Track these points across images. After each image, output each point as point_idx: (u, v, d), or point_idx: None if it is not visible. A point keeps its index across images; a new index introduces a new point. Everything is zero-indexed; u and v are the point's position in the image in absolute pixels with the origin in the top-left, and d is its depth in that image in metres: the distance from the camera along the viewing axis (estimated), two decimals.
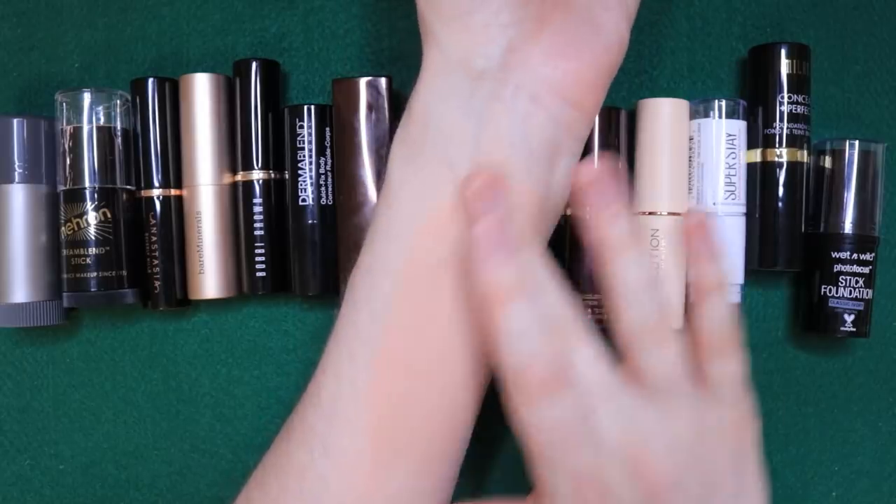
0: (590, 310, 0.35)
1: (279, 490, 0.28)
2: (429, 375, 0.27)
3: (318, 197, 0.36)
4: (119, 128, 0.36)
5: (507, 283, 0.24)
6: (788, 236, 0.36)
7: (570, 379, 0.24)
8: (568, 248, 0.36)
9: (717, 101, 0.36)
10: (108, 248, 0.35)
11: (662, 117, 0.36)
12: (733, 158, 0.36)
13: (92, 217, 0.35)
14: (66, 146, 0.35)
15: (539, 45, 0.27)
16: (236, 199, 0.36)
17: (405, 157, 0.28)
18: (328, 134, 0.36)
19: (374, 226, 0.28)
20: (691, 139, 0.36)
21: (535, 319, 0.24)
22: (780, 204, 0.36)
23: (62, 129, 0.35)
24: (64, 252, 0.35)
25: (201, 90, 0.36)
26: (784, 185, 0.36)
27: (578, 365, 0.25)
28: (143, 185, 0.36)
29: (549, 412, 0.24)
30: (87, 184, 0.35)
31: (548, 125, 0.27)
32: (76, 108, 0.35)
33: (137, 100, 0.36)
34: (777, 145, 0.36)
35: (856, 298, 0.36)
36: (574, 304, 0.26)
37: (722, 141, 0.36)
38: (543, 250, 0.28)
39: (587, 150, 0.35)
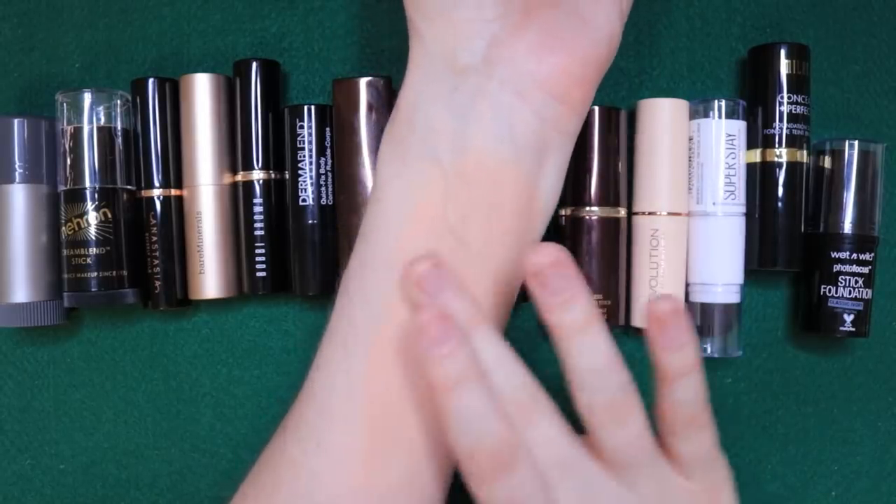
0: None
1: (273, 486, 0.28)
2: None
3: (318, 197, 0.36)
4: (119, 128, 0.36)
5: (453, 372, 0.23)
6: (788, 236, 0.36)
7: (523, 456, 0.23)
8: (568, 248, 0.36)
9: (716, 102, 0.36)
10: (108, 248, 0.35)
11: (662, 117, 0.36)
12: (733, 158, 0.36)
13: (92, 217, 0.35)
14: (67, 146, 0.35)
15: (524, 39, 0.27)
16: (236, 199, 0.36)
17: (393, 154, 0.28)
18: (328, 134, 0.36)
19: (366, 220, 0.28)
20: (691, 139, 0.36)
21: (485, 401, 0.23)
22: (779, 204, 0.36)
23: (63, 129, 0.35)
24: (64, 252, 0.35)
25: (201, 90, 0.36)
26: (784, 186, 0.36)
27: (536, 440, 0.24)
28: (143, 185, 0.36)
29: (504, 491, 0.23)
30: (87, 184, 0.35)
31: (533, 120, 0.27)
32: (77, 109, 0.35)
33: (138, 100, 0.36)
34: (777, 145, 0.36)
35: (855, 298, 0.36)
36: (531, 379, 0.25)
37: (721, 141, 0.36)
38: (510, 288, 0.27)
39: (588, 151, 0.35)
